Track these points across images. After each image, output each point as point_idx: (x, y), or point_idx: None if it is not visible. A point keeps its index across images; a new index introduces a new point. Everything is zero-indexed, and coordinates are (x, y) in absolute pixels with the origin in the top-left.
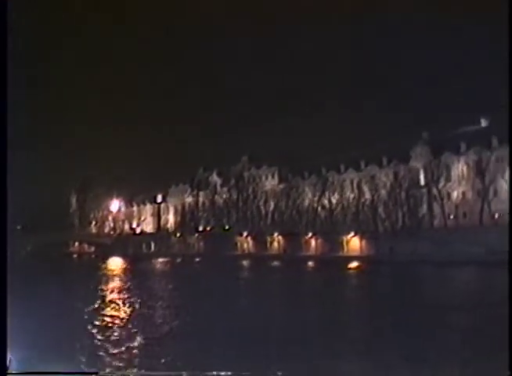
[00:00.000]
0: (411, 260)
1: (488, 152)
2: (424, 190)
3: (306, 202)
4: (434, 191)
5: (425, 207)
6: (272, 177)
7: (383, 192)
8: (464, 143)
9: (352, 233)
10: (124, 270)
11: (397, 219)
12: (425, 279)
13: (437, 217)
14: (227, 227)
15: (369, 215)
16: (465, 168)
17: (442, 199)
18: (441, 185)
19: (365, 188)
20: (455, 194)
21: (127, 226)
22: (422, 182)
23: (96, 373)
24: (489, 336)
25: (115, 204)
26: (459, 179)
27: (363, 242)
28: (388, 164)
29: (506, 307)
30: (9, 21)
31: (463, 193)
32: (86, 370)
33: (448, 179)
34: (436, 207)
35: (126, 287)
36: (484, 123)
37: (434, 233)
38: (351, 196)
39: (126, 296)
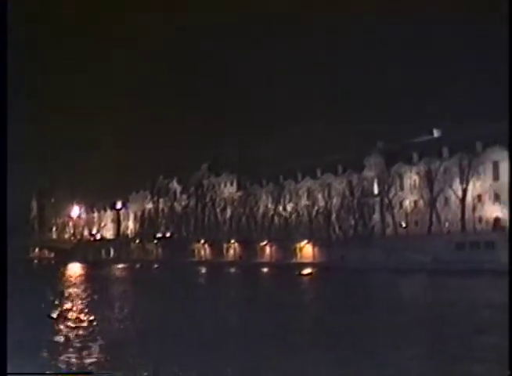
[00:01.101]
0: (362, 267)
1: (438, 162)
2: (377, 199)
3: (263, 210)
4: (387, 200)
5: (377, 215)
6: (231, 184)
7: (336, 200)
8: (416, 153)
9: (306, 241)
10: (82, 276)
11: (350, 227)
12: (373, 285)
13: (389, 225)
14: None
15: (323, 223)
16: (417, 178)
17: (393, 208)
18: (393, 194)
19: (320, 196)
20: (407, 203)
21: (87, 232)
22: (375, 190)
23: (96, 373)
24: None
25: (75, 210)
26: (411, 189)
27: (316, 249)
28: (343, 172)
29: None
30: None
31: (415, 202)
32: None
33: (400, 188)
34: (388, 216)
35: (82, 292)
36: (436, 133)
37: (384, 241)
38: (306, 204)
39: (80, 302)
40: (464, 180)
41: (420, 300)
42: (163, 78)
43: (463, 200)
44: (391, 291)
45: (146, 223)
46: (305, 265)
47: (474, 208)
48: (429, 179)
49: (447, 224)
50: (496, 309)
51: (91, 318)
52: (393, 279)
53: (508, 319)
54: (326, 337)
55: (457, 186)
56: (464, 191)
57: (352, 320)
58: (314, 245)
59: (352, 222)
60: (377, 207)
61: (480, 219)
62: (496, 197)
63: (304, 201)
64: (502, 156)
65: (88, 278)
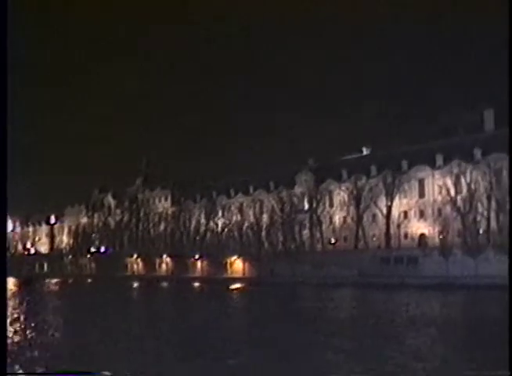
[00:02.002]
0: (290, 282)
1: (364, 179)
2: (307, 215)
3: (195, 225)
4: (316, 216)
5: (307, 231)
6: (166, 200)
7: (267, 216)
8: (346, 171)
9: (236, 256)
10: (13, 291)
11: (279, 242)
12: (299, 299)
13: (318, 241)
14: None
15: (253, 238)
16: (345, 195)
17: (321, 224)
18: (321, 210)
19: (251, 212)
20: (336, 219)
21: (21, 247)
22: (305, 207)
23: (97, 373)
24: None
25: (9, 224)
26: (340, 205)
27: (246, 264)
28: (275, 189)
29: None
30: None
31: (344, 219)
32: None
33: (330, 205)
34: (318, 231)
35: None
36: (365, 151)
37: (313, 256)
38: (238, 219)
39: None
40: (388, 197)
41: (341, 312)
42: (97, 90)
43: (387, 216)
44: (315, 303)
45: (81, 237)
46: (235, 279)
47: (398, 225)
48: (355, 196)
49: (374, 239)
50: (411, 321)
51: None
52: (318, 292)
53: (508, 320)
54: (244, 344)
55: (382, 203)
56: (389, 208)
57: (274, 331)
58: (244, 260)
59: (281, 238)
60: (307, 223)
61: (406, 235)
62: (421, 214)
63: (235, 217)
64: (426, 174)
65: (19, 293)
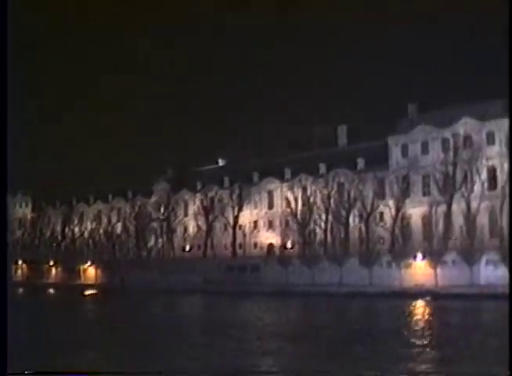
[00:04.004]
0: (140, 288)
1: (215, 190)
2: (161, 224)
3: (52, 231)
4: (171, 224)
5: (160, 239)
6: (26, 206)
7: (122, 224)
8: (200, 181)
9: (89, 263)
10: None
11: (131, 250)
12: (150, 305)
13: (171, 249)
14: None
15: (106, 246)
16: (200, 205)
17: (173, 232)
18: (174, 219)
19: (105, 220)
20: (190, 228)
21: None
22: (160, 215)
23: (96, 373)
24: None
25: None
26: (194, 215)
27: (99, 271)
28: (133, 197)
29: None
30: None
31: (198, 228)
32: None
33: (185, 214)
34: (171, 240)
35: None
36: (221, 163)
37: (164, 264)
38: (93, 226)
39: None
40: (236, 208)
41: (181, 316)
42: None
43: (234, 227)
44: (159, 307)
45: None
46: (89, 286)
47: (244, 234)
48: (205, 207)
49: (225, 248)
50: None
51: None
52: (167, 298)
53: (508, 320)
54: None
55: (230, 214)
56: (236, 218)
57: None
58: (97, 267)
59: (135, 246)
60: (160, 232)
61: (255, 244)
62: (270, 224)
63: (91, 224)
64: (275, 186)
65: None
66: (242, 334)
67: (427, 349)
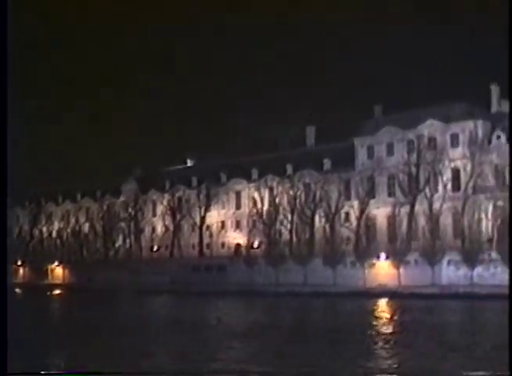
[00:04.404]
0: (107, 288)
1: (182, 190)
2: (129, 224)
3: (20, 231)
4: (139, 224)
5: (128, 239)
6: None
7: (90, 224)
8: (169, 181)
9: (57, 262)
10: None
11: (99, 250)
12: (114, 304)
13: (139, 249)
14: None
15: (74, 246)
16: (167, 205)
17: (141, 232)
18: (144, 219)
19: (73, 220)
20: (159, 228)
21: None
22: (128, 215)
23: (98, 373)
24: None
25: None
26: (162, 215)
27: (66, 271)
28: (102, 196)
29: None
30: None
31: (166, 228)
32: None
33: (153, 214)
34: (140, 240)
35: None
36: (189, 163)
37: (131, 264)
38: (61, 226)
39: None
40: (202, 208)
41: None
42: None
43: (200, 227)
44: (122, 307)
45: None
46: (56, 286)
47: (212, 235)
48: (171, 207)
49: (193, 248)
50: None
51: None
52: (132, 297)
53: (508, 320)
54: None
55: (197, 214)
56: (202, 218)
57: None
58: (64, 267)
59: (102, 246)
60: (128, 232)
61: (223, 244)
62: (238, 225)
63: (59, 224)
64: (243, 186)
65: None
66: (196, 333)
67: (381, 345)
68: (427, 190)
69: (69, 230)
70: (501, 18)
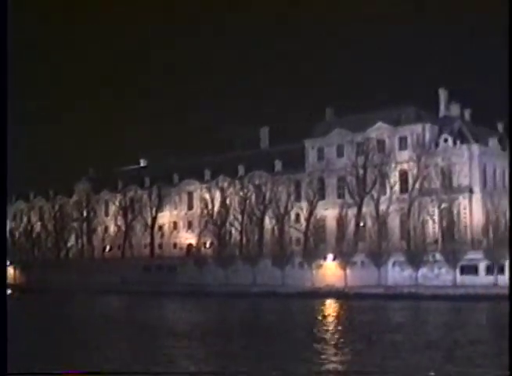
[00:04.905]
0: (58, 288)
1: (134, 191)
2: (81, 224)
3: None
4: (92, 224)
5: (80, 239)
6: None
7: (41, 223)
8: (122, 182)
9: (7, 262)
10: None
11: (54, 249)
12: (63, 305)
13: (91, 249)
14: None
15: (25, 245)
16: (118, 205)
17: (94, 232)
18: (96, 219)
19: (25, 219)
20: (111, 228)
21: None
22: (80, 215)
23: (98, 373)
24: None
25: None
26: (114, 215)
27: (17, 271)
28: (55, 196)
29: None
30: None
31: (118, 228)
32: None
33: (106, 214)
34: (92, 239)
35: None
36: (143, 163)
37: (82, 264)
38: (12, 226)
39: None
40: (154, 209)
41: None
42: None
43: (152, 227)
44: (71, 308)
45: None
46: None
47: (163, 235)
48: (123, 207)
49: (145, 248)
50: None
51: None
52: (82, 298)
53: (508, 320)
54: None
55: (148, 214)
56: (154, 219)
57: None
58: (15, 267)
59: (54, 245)
60: (81, 232)
61: (175, 245)
62: (189, 225)
63: (10, 223)
64: (195, 187)
65: None
66: (137, 333)
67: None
68: (373, 192)
69: (21, 230)
70: (501, 18)
